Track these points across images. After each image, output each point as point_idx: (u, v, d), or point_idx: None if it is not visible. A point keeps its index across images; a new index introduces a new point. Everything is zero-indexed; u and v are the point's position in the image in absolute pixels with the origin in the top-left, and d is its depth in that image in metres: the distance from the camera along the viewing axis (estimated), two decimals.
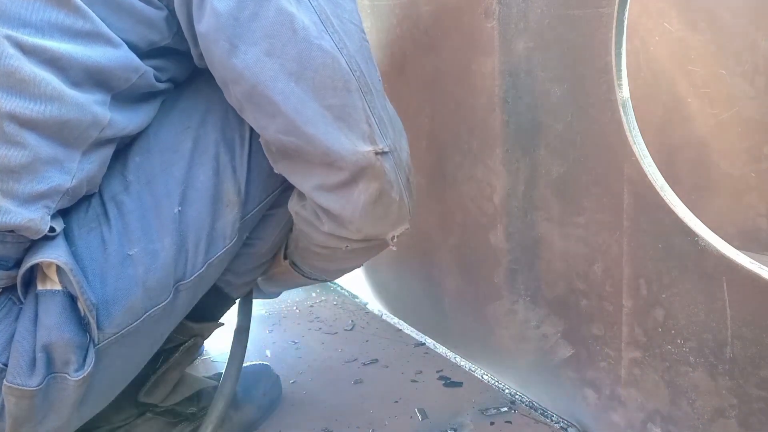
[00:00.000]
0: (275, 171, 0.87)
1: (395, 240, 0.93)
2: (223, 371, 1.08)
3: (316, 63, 0.78)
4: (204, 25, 0.79)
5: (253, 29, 0.77)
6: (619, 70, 0.84)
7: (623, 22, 0.82)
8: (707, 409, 0.85)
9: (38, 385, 0.74)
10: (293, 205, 0.94)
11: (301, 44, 0.78)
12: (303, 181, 0.86)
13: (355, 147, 0.80)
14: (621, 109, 0.85)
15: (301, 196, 0.90)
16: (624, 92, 0.85)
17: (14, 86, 0.70)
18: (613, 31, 0.83)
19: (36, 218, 0.72)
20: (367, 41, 0.85)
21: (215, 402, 1.03)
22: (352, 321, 1.56)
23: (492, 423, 1.12)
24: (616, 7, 0.82)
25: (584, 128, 0.92)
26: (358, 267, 1.10)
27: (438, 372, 1.30)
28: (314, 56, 0.78)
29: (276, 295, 1.35)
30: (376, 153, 0.81)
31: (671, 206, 0.82)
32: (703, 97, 0.82)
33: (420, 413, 1.15)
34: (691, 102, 0.83)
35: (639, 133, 0.84)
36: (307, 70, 0.78)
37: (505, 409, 1.16)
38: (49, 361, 0.75)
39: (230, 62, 0.78)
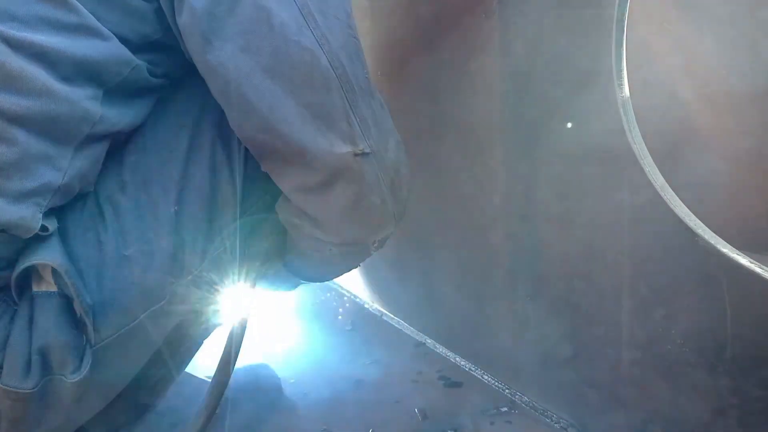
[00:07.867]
0: (262, 170, 0.85)
1: (377, 245, 0.90)
2: (217, 365, 1.05)
3: (293, 60, 0.75)
4: (182, 19, 0.77)
5: (229, 25, 0.75)
6: (619, 70, 0.84)
7: (623, 22, 0.82)
8: (707, 409, 0.85)
9: (33, 388, 0.73)
10: (278, 205, 0.91)
11: (277, 40, 0.75)
12: (283, 181, 0.84)
13: (331, 147, 0.77)
14: (621, 109, 0.84)
15: (286, 197, 0.88)
16: (624, 92, 0.84)
17: (1, 81, 0.68)
18: (613, 31, 0.83)
19: (27, 216, 0.71)
20: (356, 38, 0.82)
21: (209, 393, 1.01)
22: (352, 321, 1.55)
23: (492, 423, 1.12)
24: (616, 7, 0.81)
25: (584, 128, 0.92)
26: (352, 269, 1.06)
27: (438, 372, 1.30)
28: (292, 53, 0.75)
29: (289, 289, 1.33)
30: (355, 154, 0.77)
31: (671, 206, 0.82)
32: (703, 97, 0.81)
33: (420, 413, 1.15)
34: (691, 102, 0.82)
35: (639, 133, 0.84)
36: (283, 66, 0.75)
37: (505, 409, 1.16)
38: (45, 364, 0.74)
39: (204, 58, 0.76)
